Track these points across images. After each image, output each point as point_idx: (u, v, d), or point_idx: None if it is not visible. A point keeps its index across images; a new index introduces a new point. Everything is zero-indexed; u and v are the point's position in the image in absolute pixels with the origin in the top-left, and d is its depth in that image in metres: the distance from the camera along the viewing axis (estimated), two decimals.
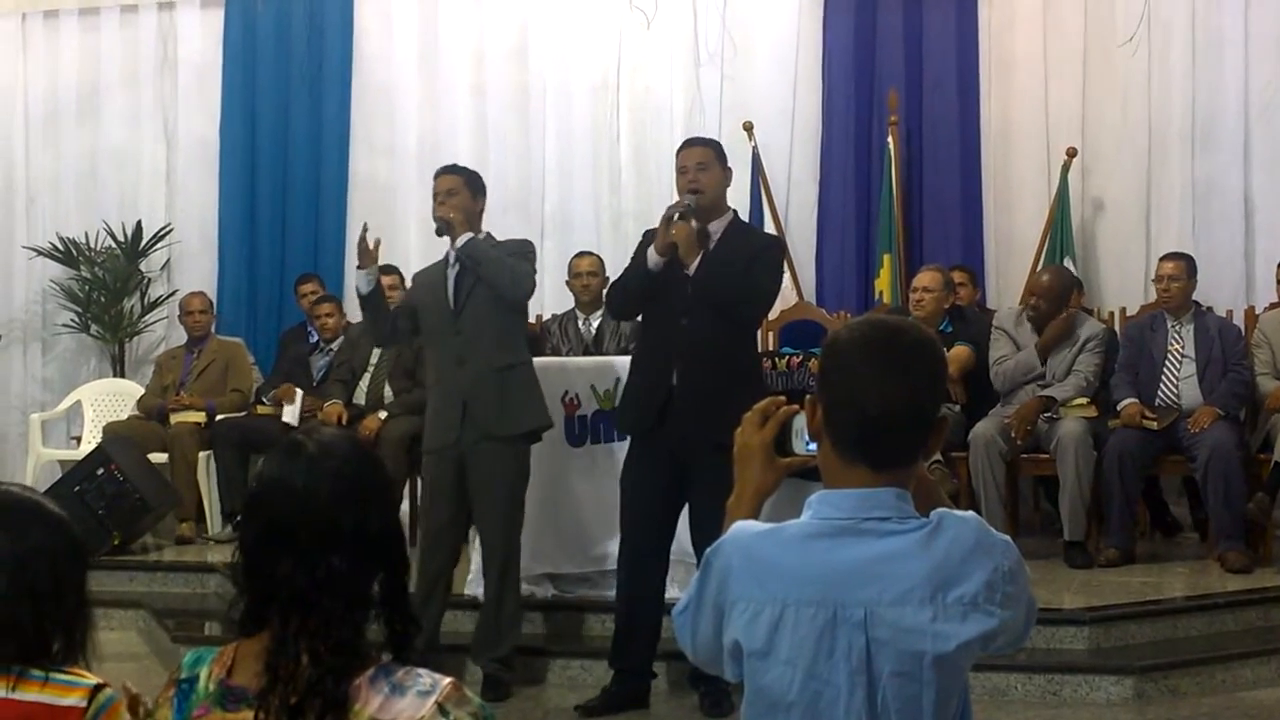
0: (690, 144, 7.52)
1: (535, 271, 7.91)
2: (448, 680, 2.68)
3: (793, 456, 2.94)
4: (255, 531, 2.77)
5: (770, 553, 2.79)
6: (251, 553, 2.76)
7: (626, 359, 8.39)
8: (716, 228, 7.28)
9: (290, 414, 10.65)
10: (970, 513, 2.82)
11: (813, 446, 2.88)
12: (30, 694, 2.92)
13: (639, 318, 7.73)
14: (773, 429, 2.95)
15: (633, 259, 7.40)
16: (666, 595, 7.38)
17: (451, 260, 7.68)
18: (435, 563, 7.59)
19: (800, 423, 2.92)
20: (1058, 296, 9.83)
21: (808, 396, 2.85)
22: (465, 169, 7.89)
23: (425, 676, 2.68)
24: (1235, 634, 8.23)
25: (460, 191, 7.65)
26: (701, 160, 7.29)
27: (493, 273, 7.54)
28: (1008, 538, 2.81)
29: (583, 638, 8.28)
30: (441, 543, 7.64)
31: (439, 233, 7.67)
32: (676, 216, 7.13)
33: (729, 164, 7.50)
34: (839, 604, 2.72)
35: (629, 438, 7.61)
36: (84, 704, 2.95)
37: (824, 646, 2.72)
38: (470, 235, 7.55)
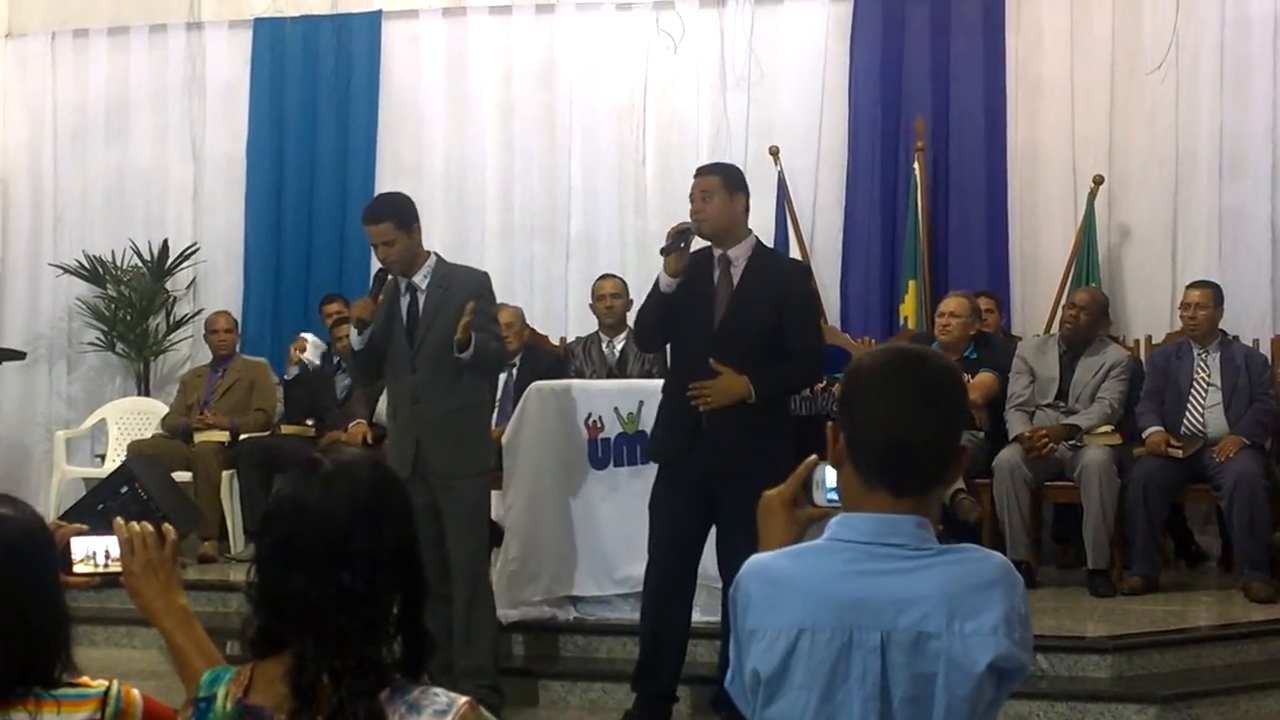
0: (699, 172, 7.47)
1: (496, 313, 8.04)
2: (464, 699, 2.68)
3: (814, 509, 2.96)
4: (270, 548, 2.78)
5: (786, 572, 2.81)
6: (266, 570, 2.77)
7: (650, 382, 8.44)
8: (738, 254, 7.28)
9: (314, 353, 10.78)
10: (996, 553, 2.84)
11: (833, 497, 2.92)
12: (49, 715, 2.91)
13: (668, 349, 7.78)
14: (792, 485, 2.99)
15: (653, 286, 7.43)
16: (692, 620, 7.39)
17: (404, 289, 7.66)
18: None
19: (820, 474, 2.96)
20: (1099, 311, 9.92)
21: (829, 423, 2.88)
22: (388, 206, 7.70)
23: (441, 696, 2.69)
24: (1259, 664, 8.21)
25: (395, 240, 7.52)
26: (705, 189, 7.28)
27: (487, 370, 7.78)
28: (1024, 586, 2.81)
29: (605, 661, 8.27)
30: (428, 564, 7.59)
31: (459, 350, 7.46)
32: (681, 244, 7.19)
33: (743, 188, 7.42)
34: (855, 628, 2.73)
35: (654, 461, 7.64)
36: (98, 715, 2.94)
37: (840, 671, 2.73)
38: (472, 348, 7.41)
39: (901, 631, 2.70)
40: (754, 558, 2.89)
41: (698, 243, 7.34)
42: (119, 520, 3.24)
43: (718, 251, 7.29)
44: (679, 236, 7.19)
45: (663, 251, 7.22)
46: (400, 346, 7.61)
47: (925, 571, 2.73)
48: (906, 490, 2.77)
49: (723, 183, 7.31)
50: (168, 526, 3.25)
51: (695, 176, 7.42)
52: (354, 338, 7.63)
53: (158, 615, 3.21)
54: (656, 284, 7.31)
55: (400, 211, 7.60)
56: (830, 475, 2.94)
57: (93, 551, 3.24)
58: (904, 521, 2.76)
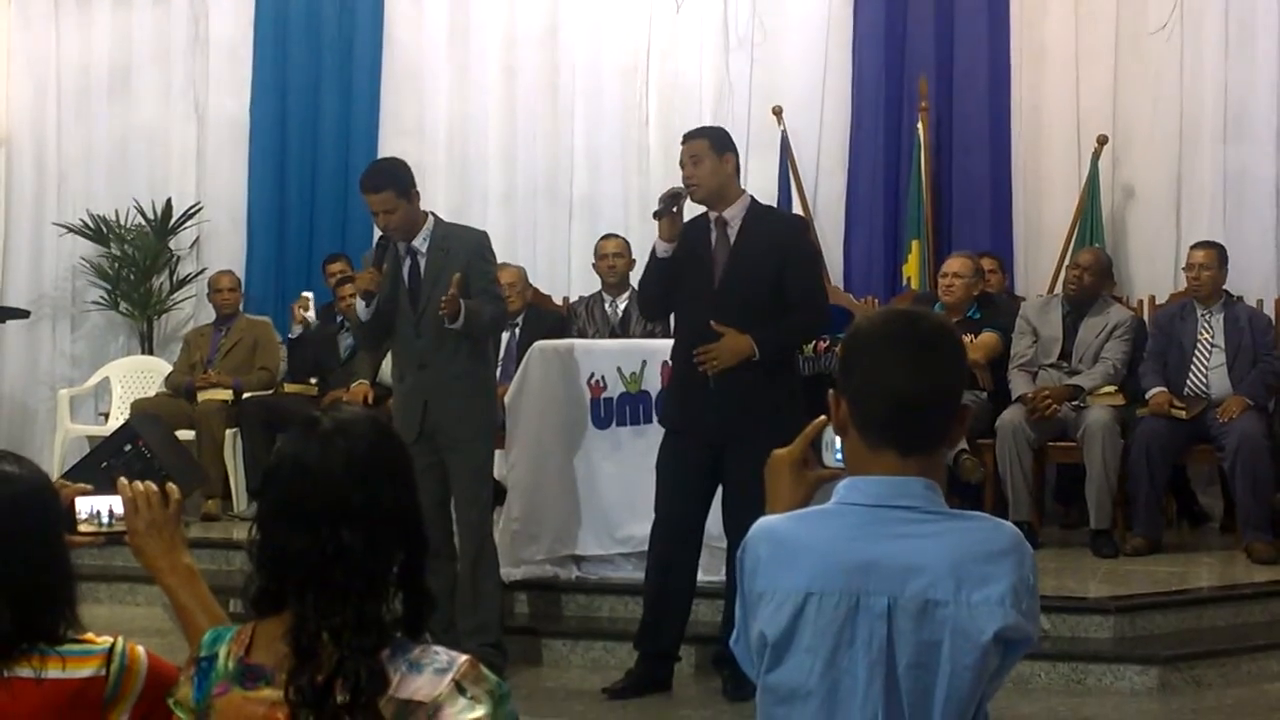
0: (686, 137, 7.46)
1: (496, 274, 8.02)
2: (464, 658, 2.69)
3: (822, 470, 2.97)
4: (270, 506, 2.79)
5: (795, 535, 2.81)
6: (267, 528, 2.78)
7: (653, 342, 8.48)
8: (733, 214, 7.29)
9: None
10: (1008, 523, 2.85)
11: (841, 458, 2.91)
12: (54, 671, 2.92)
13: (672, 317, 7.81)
14: (801, 446, 2.99)
15: (650, 254, 7.45)
16: (697, 580, 7.41)
17: (404, 254, 7.64)
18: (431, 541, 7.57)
19: (829, 435, 2.95)
20: (1103, 271, 9.92)
21: (830, 391, 2.87)
22: (387, 174, 7.63)
23: (442, 654, 2.70)
24: (1261, 625, 8.22)
25: (396, 207, 7.48)
26: (694, 153, 7.29)
27: (484, 333, 7.72)
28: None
29: (607, 620, 8.28)
30: (431, 525, 7.60)
31: (450, 321, 7.43)
32: (674, 209, 7.23)
33: (731, 148, 7.41)
34: (862, 593, 2.73)
35: (656, 420, 7.67)
36: (103, 671, 2.95)
37: (845, 636, 2.73)
38: (463, 316, 7.40)
39: (908, 598, 2.70)
40: (762, 520, 2.88)
41: (693, 209, 7.36)
42: (122, 480, 3.25)
43: (713, 214, 7.31)
44: (671, 200, 7.22)
45: (655, 215, 7.26)
46: (404, 311, 7.61)
47: (935, 538, 2.73)
48: (913, 449, 2.77)
49: (710, 145, 7.31)
50: (171, 485, 3.26)
51: (683, 143, 7.43)
52: (361, 309, 7.61)
53: (162, 574, 3.22)
54: (654, 251, 7.33)
55: (399, 178, 7.57)
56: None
57: (97, 511, 3.25)
58: (913, 483, 2.76)
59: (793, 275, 7.21)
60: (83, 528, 3.24)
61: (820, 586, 2.74)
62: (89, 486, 3.29)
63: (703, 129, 7.72)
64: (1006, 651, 2.72)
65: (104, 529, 3.26)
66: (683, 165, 7.32)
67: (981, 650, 2.68)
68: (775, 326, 7.14)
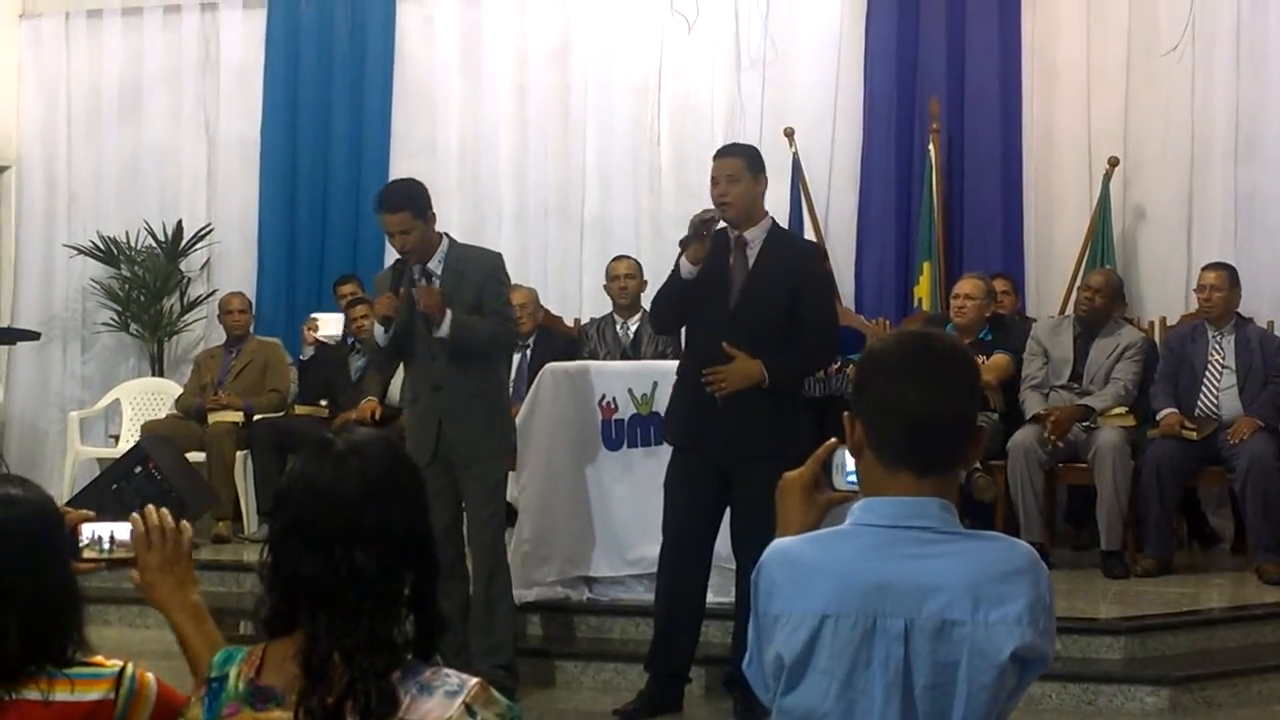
0: (722, 154, 7.38)
1: (509, 296, 7.95)
2: (475, 680, 2.68)
3: (833, 492, 2.97)
4: (282, 528, 2.78)
5: (811, 557, 2.81)
6: (279, 550, 2.78)
7: (664, 363, 8.46)
8: (754, 235, 7.24)
9: (330, 326, 10.84)
10: (1023, 542, 2.85)
11: (853, 480, 2.92)
12: (62, 694, 2.91)
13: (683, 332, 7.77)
14: (811, 468, 2.99)
15: (672, 271, 7.39)
16: (707, 600, 7.39)
17: (418, 275, 7.61)
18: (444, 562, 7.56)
19: (840, 458, 2.96)
20: (1114, 292, 9.89)
21: (845, 414, 2.87)
22: (404, 195, 7.58)
23: (453, 677, 2.69)
24: (1272, 645, 8.19)
25: (413, 228, 7.46)
26: (731, 172, 7.19)
27: (481, 350, 7.60)
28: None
29: (618, 641, 8.27)
30: (444, 546, 7.60)
31: (435, 331, 7.43)
32: (704, 233, 7.14)
33: (763, 169, 7.35)
34: (879, 614, 2.73)
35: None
36: (112, 695, 2.94)
37: (862, 657, 2.73)
38: (448, 322, 7.38)
39: (925, 619, 2.71)
40: (777, 542, 2.89)
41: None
42: (135, 516, 3.25)
43: (734, 234, 7.25)
44: (702, 225, 7.12)
45: (682, 243, 7.16)
46: (419, 334, 7.59)
47: (951, 558, 2.74)
48: (929, 469, 2.78)
49: (746, 165, 7.23)
50: (185, 523, 3.26)
51: (716, 158, 7.33)
52: (379, 335, 7.57)
53: (171, 611, 3.22)
54: (676, 270, 7.25)
55: (416, 199, 7.54)
56: (850, 459, 2.94)
57: (99, 536, 3.25)
58: (928, 504, 2.77)
59: (805, 302, 7.17)
60: (86, 554, 3.24)
61: (837, 608, 2.74)
62: (91, 513, 3.30)
63: (737, 147, 7.62)
64: (1023, 671, 2.73)
65: (106, 555, 3.26)
66: (715, 182, 7.21)
67: (999, 670, 2.68)
68: (787, 354, 7.11)
